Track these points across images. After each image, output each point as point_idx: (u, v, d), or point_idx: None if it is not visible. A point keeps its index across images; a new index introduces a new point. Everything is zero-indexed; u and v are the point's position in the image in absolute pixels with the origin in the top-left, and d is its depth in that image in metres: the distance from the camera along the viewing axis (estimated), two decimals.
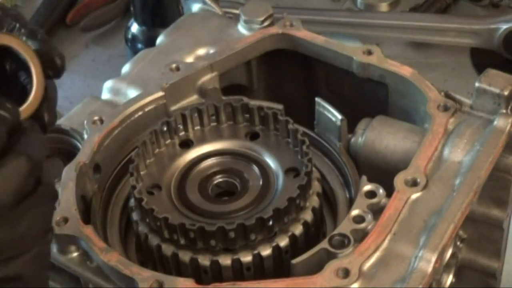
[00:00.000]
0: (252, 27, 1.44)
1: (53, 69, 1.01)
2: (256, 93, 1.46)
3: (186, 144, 1.28)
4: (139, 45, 2.13)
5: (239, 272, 1.15)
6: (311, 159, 1.19)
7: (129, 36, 2.19)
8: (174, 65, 1.36)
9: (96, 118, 1.28)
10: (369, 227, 1.12)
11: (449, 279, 1.26)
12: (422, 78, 1.30)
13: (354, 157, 1.28)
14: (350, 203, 1.23)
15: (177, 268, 1.16)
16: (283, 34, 1.41)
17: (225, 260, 1.14)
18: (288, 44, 1.42)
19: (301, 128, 1.24)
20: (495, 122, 1.22)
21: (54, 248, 1.15)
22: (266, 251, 1.15)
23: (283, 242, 1.16)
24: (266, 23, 1.44)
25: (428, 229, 1.10)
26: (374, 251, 1.08)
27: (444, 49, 2.21)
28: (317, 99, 1.31)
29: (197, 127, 1.30)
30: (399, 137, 1.26)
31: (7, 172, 0.91)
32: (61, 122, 1.35)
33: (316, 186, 1.22)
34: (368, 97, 1.37)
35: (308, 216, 1.18)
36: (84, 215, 1.20)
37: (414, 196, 1.15)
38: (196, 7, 1.56)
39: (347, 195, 1.26)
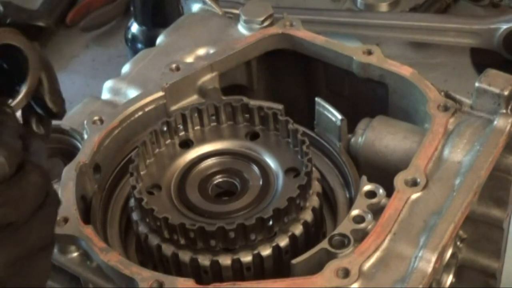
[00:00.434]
0: (252, 27, 1.44)
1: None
2: (256, 93, 1.46)
3: (186, 144, 1.28)
4: (139, 45, 2.13)
5: (239, 272, 1.15)
6: (311, 159, 1.19)
7: (129, 36, 2.19)
8: (174, 65, 1.36)
9: (96, 118, 1.28)
10: (369, 227, 1.12)
11: (449, 279, 1.26)
12: (422, 78, 1.30)
13: (354, 157, 1.28)
14: (350, 203, 1.23)
15: (177, 268, 1.16)
16: (283, 34, 1.41)
17: (225, 260, 1.14)
18: (288, 44, 1.42)
19: (301, 128, 1.24)
20: (495, 122, 1.22)
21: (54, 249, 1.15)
22: (266, 251, 1.15)
23: (283, 242, 1.16)
24: (266, 23, 1.44)
25: (428, 229, 1.10)
26: (374, 251, 1.08)
27: (444, 49, 2.21)
28: (317, 99, 1.31)
29: (197, 127, 1.30)
30: (399, 137, 1.26)
31: (25, 186, 0.91)
32: (61, 122, 1.35)
33: (316, 186, 1.22)
34: (368, 97, 1.37)
35: (308, 216, 1.18)
36: (84, 215, 1.20)
37: (414, 196, 1.15)
38: (196, 7, 1.56)
39: (347, 195, 1.26)
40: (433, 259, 1.07)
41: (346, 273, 1.06)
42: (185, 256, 1.14)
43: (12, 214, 0.90)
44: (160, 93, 1.33)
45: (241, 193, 1.21)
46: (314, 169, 1.23)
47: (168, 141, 1.28)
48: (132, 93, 1.38)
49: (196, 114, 1.29)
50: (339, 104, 1.29)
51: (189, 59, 1.42)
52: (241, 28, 1.46)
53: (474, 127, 1.23)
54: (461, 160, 1.19)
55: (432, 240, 1.08)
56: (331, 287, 1.05)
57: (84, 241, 1.13)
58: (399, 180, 1.16)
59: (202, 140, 1.29)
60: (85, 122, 1.29)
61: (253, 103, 1.29)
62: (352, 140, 1.29)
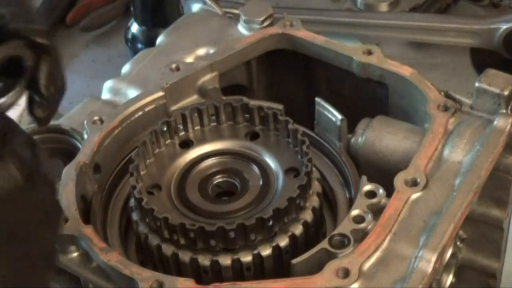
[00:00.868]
0: (252, 27, 1.44)
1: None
2: (256, 93, 1.46)
3: (186, 144, 1.28)
4: (139, 45, 2.13)
5: (239, 272, 1.15)
6: (311, 159, 1.19)
7: (129, 36, 2.19)
8: (174, 65, 1.36)
9: (96, 118, 1.28)
10: (369, 227, 1.12)
11: (449, 279, 1.27)
12: (422, 78, 1.30)
13: (354, 157, 1.28)
14: (350, 203, 1.23)
15: (177, 268, 1.16)
16: (283, 34, 1.41)
17: (225, 260, 1.14)
18: (288, 44, 1.42)
19: (301, 128, 1.24)
20: (495, 122, 1.22)
21: None
22: (266, 251, 1.15)
23: (283, 242, 1.16)
24: (266, 23, 1.44)
25: (428, 229, 1.10)
26: (374, 251, 1.08)
27: (444, 49, 2.21)
28: (317, 99, 1.31)
29: (197, 127, 1.30)
30: (399, 137, 1.26)
31: (35, 197, 0.92)
32: (61, 122, 1.35)
33: (316, 186, 1.22)
34: (368, 97, 1.38)
35: (308, 216, 1.18)
36: (84, 215, 1.20)
37: (414, 196, 1.15)
38: (196, 7, 1.56)
39: (347, 195, 1.26)
40: (433, 259, 1.07)
41: (346, 273, 1.06)
42: (185, 256, 1.14)
43: (20, 224, 0.90)
44: (160, 93, 1.33)
45: (241, 193, 1.21)
46: (314, 169, 1.23)
47: (168, 141, 1.28)
48: (132, 93, 1.38)
49: (196, 114, 1.29)
50: (339, 104, 1.29)
51: (189, 59, 1.42)
52: (241, 28, 1.46)
53: (474, 127, 1.23)
54: (461, 160, 1.19)
55: (432, 240, 1.08)
56: (331, 287, 1.05)
57: (84, 241, 1.13)
58: (399, 180, 1.16)
59: (202, 140, 1.28)
60: (85, 122, 1.29)
61: (253, 103, 1.29)
62: (352, 140, 1.29)
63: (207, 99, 1.35)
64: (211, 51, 1.42)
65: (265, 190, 1.20)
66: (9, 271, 0.90)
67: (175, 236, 1.14)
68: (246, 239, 1.13)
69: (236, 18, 1.48)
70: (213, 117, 1.30)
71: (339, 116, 1.27)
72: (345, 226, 1.12)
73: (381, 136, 1.27)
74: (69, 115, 1.38)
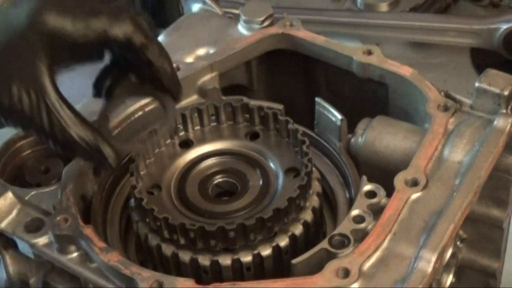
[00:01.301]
0: (252, 27, 1.44)
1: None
2: (256, 93, 1.46)
3: (186, 144, 1.28)
4: None
5: (239, 272, 1.15)
6: (311, 159, 1.19)
7: None
8: (174, 65, 1.36)
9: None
10: (369, 227, 1.12)
11: (449, 279, 1.26)
12: (422, 78, 1.30)
13: (354, 157, 1.28)
14: (350, 203, 1.23)
15: (177, 268, 1.16)
16: (283, 34, 1.41)
17: (225, 260, 1.14)
18: (288, 44, 1.42)
19: (301, 128, 1.24)
20: (495, 122, 1.22)
21: (54, 248, 1.15)
22: (266, 251, 1.15)
23: (283, 242, 1.16)
24: (266, 23, 1.44)
25: (428, 229, 1.10)
26: (374, 251, 1.08)
27: (444, 49, 2.21)
28: (317, 99, 1.31)
29: (197, 127, 1.30)
30: (399, 137, 1.26)
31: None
32: None
33: (316, 186, 1.22)
34: (368, 97, 1.37)
35: (308, 216, 1.18)
36: (84, 215, 1.20)
37: (414, 196, 1.15)
38: (196, 7, 1.55)
39: (347, 195, 1.26)
40: (433, 259, 1.07)
41: (346, 273, 1.06)
42: (185, 256, 1.14)
43: None
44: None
45: (241, 193, 1.21)
46: (314, 169, 1.23)
47: (168, 141, 1.28)
48: None
49: (196, 114, 1.29)
50: (339, 104, 1.29)
51: (189, 59, 1.42)
52: (241, 28, 1.46)
53: (474, 127, 1.23)
54: (461, 160, 1.19)
55: (432, 240, 1.08)
56: (331, 287, 1.05)
57: (84, 241, 1.13)
58: (399, 180, 1.16)
59: (202, 140, 1.28)
60: None
61: (253, 103, 1.29)
62: (352, 140, 1.29)
63: (207, 99, 1.35)
64: (211, 51, 1.42)
65: (265, 190, 1.20)
66: None
67: (175, 236, 1.14)
68: (246, 239, 1.13)
69: (236, 18, 1.48)
70: (213, 117, 1.30)
71: (339, 116, 1.27)
72: (345, 226, 1.12)
73: (381, 136, 1.27)
74: None
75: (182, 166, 1.25)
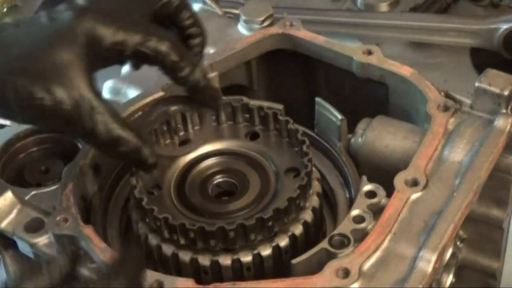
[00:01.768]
0: (252, 27, 1.44)
1: None
2: (256, 93, 1.46)
3: (186, 144, 1.28)
4: None
5: (239, 272, 1.15)
6: (311, 159, 1.19)
7: None
8: None
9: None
10: (369, 227, 1.12)
11: (449, 279, 1.26)
12: (422, 78, 1.30)
13: (354, 157, 1.28)
14: (350, 203, 1.23)
15: (177, 268, 1.15)
16: (283, 34, 1.41)
17: (225, 260, 1.14)
18: (288, 44, 1.42)
19: (301, 128, 1.24)
20: (495, 122, 1.22)
21: (54, 248, 1.15)
22: (266, 251, 1.15)
23: (283, 242, 1.16)
24: (266, 23, 1.44)
25: (428, 229, 1.10)
26: (374, 251, 1.08)
27: (444, 49, 2.21)
28: (317, 99, 1.31)
29: (197, 127, 1.30)
30: (399, 137, 1.26)
31: None
32: None
33: (316, 186, 1.22)
34: (368, 97, 1.37)
35: (308, 216, 1.18)
36: (84, 215, 1.20)
37: (414, 196, 1.15)
38: (196, 7, 1.55)
39: (347, 195, 1.26)
40: (433, 259, 1.07)
41: (346, 273, 1.06)
42: (185, 256, 1.14)
43: None
44: (160, 93, 1.33)
45: (241, 193, 1.21)
46: (314, 169, 1.23)
47: (168, 141, 1.27)
48: (132, 93, 1.38)
49: (196, 114, 1.29)
50: (339, 104, 1.29)
51: None
52: (241, 28, 1.46)
53: (474, 127, 1.23)
54: (461, 160, 1.19)
55: (432, 240, 1.08)
56: (331, 287, 1.05)
57: (84, 241, 1.13)
58: (399, 180, 1.16)
59: (202, 140, 1.28)
60: None
61: (253, 103, 1.29)
62: (352, 140, 1.29)
63: None
64: (211, 51, 1.42)
65: (265, 190, 1.20)
66: None
67: (175, 236, 1.14)
68: (246, 239, 1.13)
69: (236, 18, 1.48)
70: (213, 117, 1.30)
71: (339, 116, 1.27)
72: (345, 226, 1.12)
73: (381, 136, 1.27)
74: None
75: (182, 166, 1.25)
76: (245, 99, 1.30)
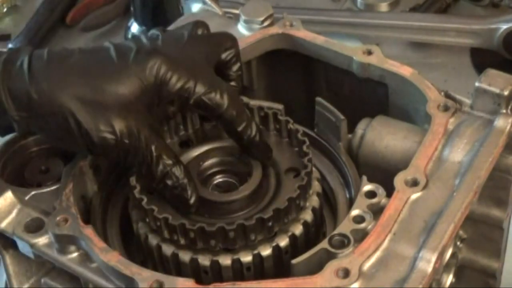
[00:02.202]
0: (252, 27, 1.44)
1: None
2: (256, 93, 1.46)
3: (186, 144, 1.28)
4: None
5: (239, 272, 1.15)
6: (311, 159, 1.19)
7: (129, 36, 2.19)
8: None
9: None
10: (369, 227, 1.12)
11: (449, 279, 1.27)
12: (422, 78, 1.30)
13: (354, 157, 1.28)
14: (350, 203, 1.23)
15: (177, 268, 1.16)
16: (283, 34, 1.41)
17: (225, 260, 1.14)
18: (288, 44, 1.42)
19: (301, 128, 1.24)
20: (495, 122, 1.22)
21: (54, 248, 1.15)
22: (266, 251, 1.15)
23: (283, 242, 1.16)
24: (266, 23, 1.44)
25: (428, 229, 1.10)
26: (374, 251, 1.08)
27: (444, 49, 2.21)
28: (317, 99, 1.31)
29: (197, 127, 1.30)
30: (399, 137, 1.26)
31: None
32: None
33: (316, 186, 1.22)
34: (368, 97, 1.37)
35: (308, 216, 1.18)
36: (84, 215, 1.20)
37: (414, 196, 1.15)
38: (196, 7, 1.55)
39: (347, 195, 1.26)
40: (433, 259, 1.07)
41: (346, 273, 1.06)
42: (185, 256, 1.14)
43: None
44: None
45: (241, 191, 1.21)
46: (314, 169, 1.23)
47: (168, 141, 1.27)
48: None
49: (196, 114, 1.29)
50: (339, 104, 1.29)
51: None
52: (241, 28, 1.46)
53: (474, 127, 1.23)
54: (461, 160, 1.19)
55: (432, 240, 1.08)
56: (331, 287, 1.05)
57: (84, 241, 1.13)
58: (399, 180, 1.16)
59: (202, 140, 1.28)
60: None
61: (253, 103, 1.29)
62: (352, 140, 1.29)
63: None
64: None
65: (265, 190, 1.20)
66: None
67: (175, 236, 1.14)
68: (246, 239, 1.13)
69: (236, 18, 1.47)
70: None
71: (339, 116, 1.27)
72: (345, 226, 1.12)
73: (381, 136, 1.27)
74: None
75: None
76: (245, 99, 1.30)
